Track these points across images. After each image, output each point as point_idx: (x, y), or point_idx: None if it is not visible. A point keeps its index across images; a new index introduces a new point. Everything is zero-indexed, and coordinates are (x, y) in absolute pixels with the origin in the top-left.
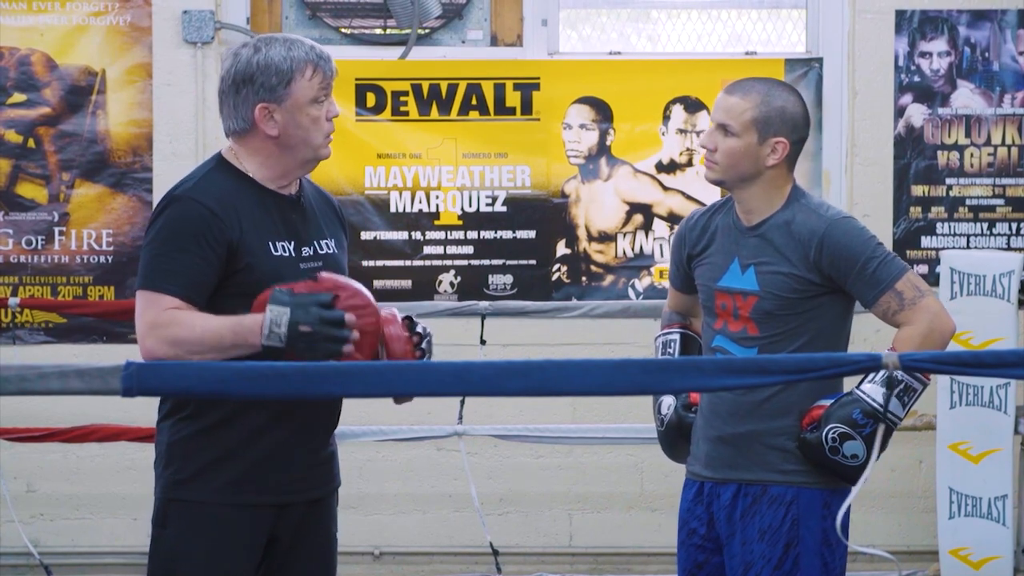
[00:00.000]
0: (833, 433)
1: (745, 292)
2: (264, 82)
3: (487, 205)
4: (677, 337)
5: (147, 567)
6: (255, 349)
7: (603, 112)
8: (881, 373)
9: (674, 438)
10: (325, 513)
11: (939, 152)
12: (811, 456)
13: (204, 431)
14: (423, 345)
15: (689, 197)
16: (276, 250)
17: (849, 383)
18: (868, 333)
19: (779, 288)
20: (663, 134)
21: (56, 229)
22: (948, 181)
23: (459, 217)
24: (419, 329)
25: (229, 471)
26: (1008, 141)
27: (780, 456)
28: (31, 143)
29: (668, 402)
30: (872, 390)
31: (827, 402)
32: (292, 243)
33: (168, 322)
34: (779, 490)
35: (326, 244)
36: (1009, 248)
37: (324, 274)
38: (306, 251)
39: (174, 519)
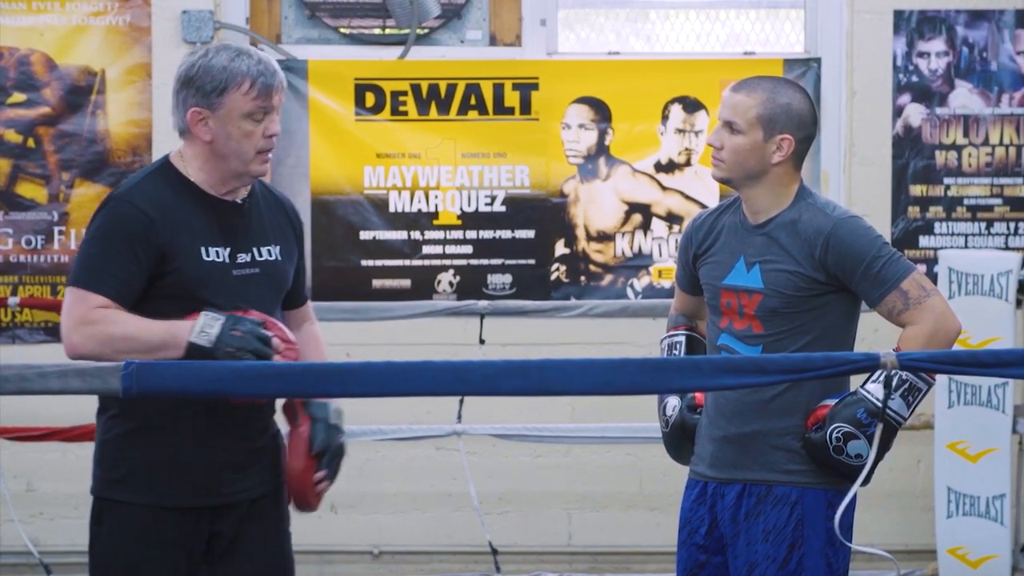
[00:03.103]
0: (837, 433)
1: (750, 290)
2: (200, 87)
3: (486, 205)
4: (683, 339)
5: (88, 564)
6: (180, 352)
7: (602, 112)
8: (884, 373)
9: (678, 439)
10: (271, 510)
11: (937, 152)
12: (816, 456)
13: (132, 432)
14: (323, 464)
15: (688, 197)
16: (207, 255)
17: (857, 383)
18: (866, 333)
19: (784, 286)
20: (662, 134)
21: (56, 229)
22: (946, 181)
23: (458, 217)
24: (317, 447)
25: (158, 474)
26: (1006, 141)
27: (785, 456)
28: (31, 143)
29: (673, 403)
30: (876, 390)
31: (832, 402)
32: (228, 249)
33: (97, 319)
34: (784, 490)
35: (268, 251)
36: (1007, 248)
37: (253, 311)
38: (242, 257)
39: (108, 518)
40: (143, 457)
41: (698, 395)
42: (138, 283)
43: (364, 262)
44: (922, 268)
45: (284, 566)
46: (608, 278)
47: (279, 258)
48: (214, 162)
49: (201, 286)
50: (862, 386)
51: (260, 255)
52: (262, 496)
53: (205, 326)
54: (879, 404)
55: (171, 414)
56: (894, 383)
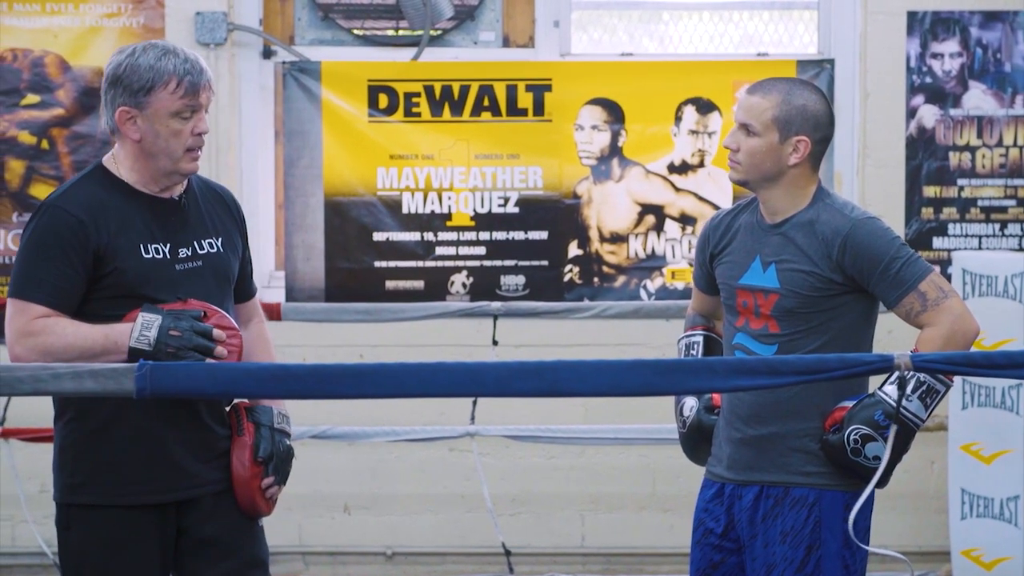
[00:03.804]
0: (855, 434)
1: (766, 290)
2: (128, 86)
3: (499, 206)
4: (700, 339)
5: (60, 570)
6: (123, 355)
7: (615, 113)
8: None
9: (696, 440)
10: (236, 504)
11: (951, 153)
12: (833, 458)
13: (90, 434)
14: (269, 471)
15: (701, 198)
16: (147, 252)
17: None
18: (881, 335)
19: (800, 286)
20: (675, 135)
21: None
22: (960, 182)
23: (471, 218)
24: (262, 454)
25: (118, 473)
26: (1020, 142)
27: (802, 458)
28: (45, 144)
29: (690, 404)
30: (894, 391)
31: (849, 404)
32: (168, 245)
33: (38, 331)
34: (801, 492)
35: (209, 244)
36: (1021, 249)
37: (193, 300)
38: (184, 252)
39: (75, 522)
40: (103, 458)
41: (715, 396)
42: (76, 288)
43: (377, 263)
44: (936, 269)
45: (257, 557)
46: (621, 279)
47: (221, 250)
48: (144, 161)
49: (143, 283)
50: (880, 388)
51: (202, 248)
52: (225, 491)
53: (143, 328)
54: (897, 406)
55: (126, 412)
56: (912, 385)
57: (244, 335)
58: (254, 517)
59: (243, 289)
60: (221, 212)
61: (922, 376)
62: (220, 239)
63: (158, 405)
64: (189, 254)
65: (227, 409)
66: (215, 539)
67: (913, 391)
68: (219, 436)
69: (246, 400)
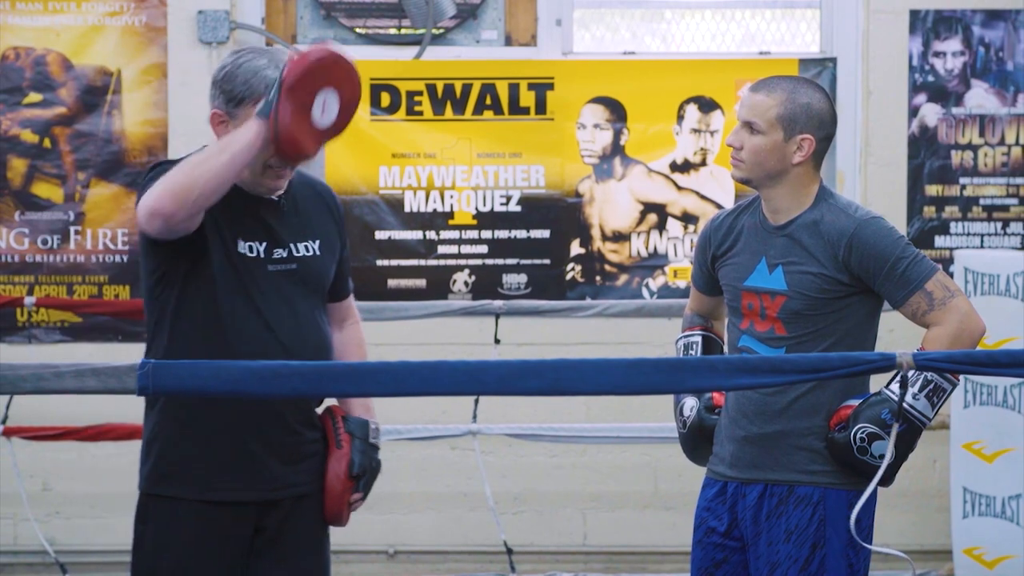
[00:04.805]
0: (862, 433)
1: (773, 292)
2: (224, 92)
3: (501, 205)
4: (699, 339)
5: (130, 564)
6: (250, 142)
7: (617, 112)
8: (910, 373)
9: (696, 440)
10: (314, 510)
11: (953, 152)
12: (839, 456)
13: (180, 425)
14: (360, 486)
15: (703, 197)
16: (241, 249)
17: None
18: (882, 333)
19: (808, 288)
20: (677, 134)
21: (72, 228)
22: (962, 181)
23: (473, 217)
24: (357, 470)
25: (205, 466)
26: (1022, 141)
27: (807, 456)
28: (47, 143)
29: (691, 404)
30: (899, 390)
31: (855, 402)
32: (263, 244)
33: (159, 181)
34: (806, 490)
35: (306, 247)
36: (1023, 248)
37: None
38: (279, 253)
39: (154, 515)
40: (190, 451)
41: (716, 396)
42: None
43: (379, 262)
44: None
45: (322, 567)
46: (623, 278)
47: (318, 253)
48: None
49: (234, 278)
50: (886, 386)
51: (297, 251)
52: (307, 495)
53: (268, 91)
54: (904, 404)
55: (219, 406)
56: (920, 384)
57: (337, 336)
58: (334, 525)
59: (339, 288)
60: (321, 212)
61: (929, 375)
62: (318, 242)
63: (244, 402)
64: (284, 255)
65: (319, 412)
66: (289, 542)
67: (920, 390)
68: (305, 440)
69: (337, 404)
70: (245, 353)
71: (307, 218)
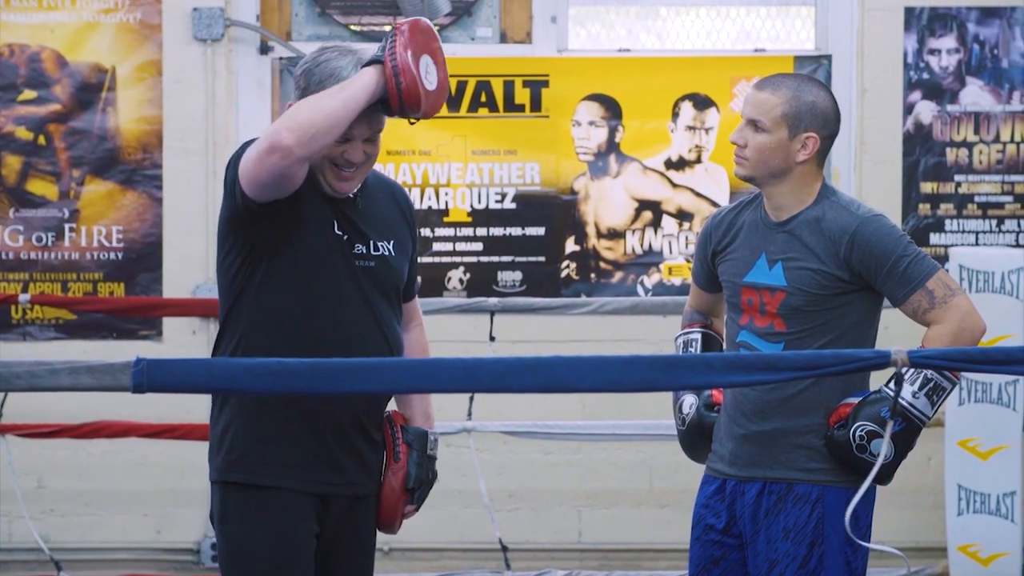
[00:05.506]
0: (861, 431)
1: (773, 288)
2: (299, 88)
3: (496, 202)
4: (698, 336)
5: (219, 566)
6: (365, 84)
7: (612, 109)
8: (910, 372)
9: (695, 438)
10: (369, 513)
11: (948, 149)
12: (838, 454)
13: (254, 409)
14: (415, 499)
15: (698, 194)
16: (338, 230)
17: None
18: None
19: (808, 284)
20: (672, 131)
21: (66, 226)
22: (957, 178)
23: (468, 214)
24: (414, 482)
25: (283, 454)
26: (1017, 138)
27: (805, 454)
28: (41, 140)
29: (690, 401)
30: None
31: (854, 400)
32: (346, 237)
33: (276, 122)
34: (804, 488)
35: (382, 246)
36: (1018, 245)
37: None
38: (359, 248)
39: (234, 510)
40: (266, 434)
41: (715, 393)
42: None
43: None
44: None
45: (369, 570)
46: (618, 275)
47: (393, 253)
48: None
49: (324, 259)
50: (885, 384)
51: (376, 249)
52: (366, 496)
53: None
54: (902, 402)
55: (297, 401)
56: (919, 382)
57: (405, 338)
58: (385, 532)
59: (408, 290)
60: (395, 213)
61: (929, 373)
62: (392, 242)
63: (322, 399)
64: (364, 251)
65: (384, 428)
66: (341, 541)
67: (920, 388)
68: (372, 440)
69: (398, 410)
70: (319, 341)
71: (383, 218)
